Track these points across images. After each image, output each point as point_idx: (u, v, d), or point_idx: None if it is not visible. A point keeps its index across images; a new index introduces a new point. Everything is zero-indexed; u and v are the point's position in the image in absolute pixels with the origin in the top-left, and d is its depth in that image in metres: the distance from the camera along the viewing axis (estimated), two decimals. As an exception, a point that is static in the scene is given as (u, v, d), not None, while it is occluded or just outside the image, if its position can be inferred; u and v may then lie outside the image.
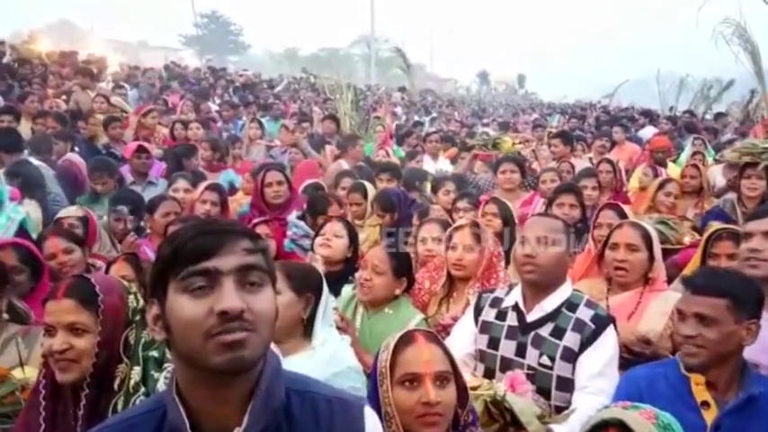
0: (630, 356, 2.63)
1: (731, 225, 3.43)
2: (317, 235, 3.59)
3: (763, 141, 5.17)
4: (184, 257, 1.14)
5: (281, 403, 1.21)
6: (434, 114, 17.33)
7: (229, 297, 1.12)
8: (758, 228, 2.63)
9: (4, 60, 11.07)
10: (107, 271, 3.10)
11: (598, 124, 13.03)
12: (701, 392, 2.11)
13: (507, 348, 2.47)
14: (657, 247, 3.01)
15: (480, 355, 2.54)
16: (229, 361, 1.11)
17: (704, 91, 15.42)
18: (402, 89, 20.99)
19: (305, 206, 4.62)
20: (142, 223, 4.73)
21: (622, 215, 3.65)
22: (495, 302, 2.59)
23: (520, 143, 8.03)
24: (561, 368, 2.37)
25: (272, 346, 1.38)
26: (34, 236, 3.67)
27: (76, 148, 6.59)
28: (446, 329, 2.83)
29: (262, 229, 3.88)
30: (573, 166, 6.35)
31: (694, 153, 7.04)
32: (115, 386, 1.83)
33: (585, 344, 2.36)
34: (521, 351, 2.44)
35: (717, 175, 6.12)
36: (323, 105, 13.63)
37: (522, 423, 2.02)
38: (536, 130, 11.25)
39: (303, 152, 7.32)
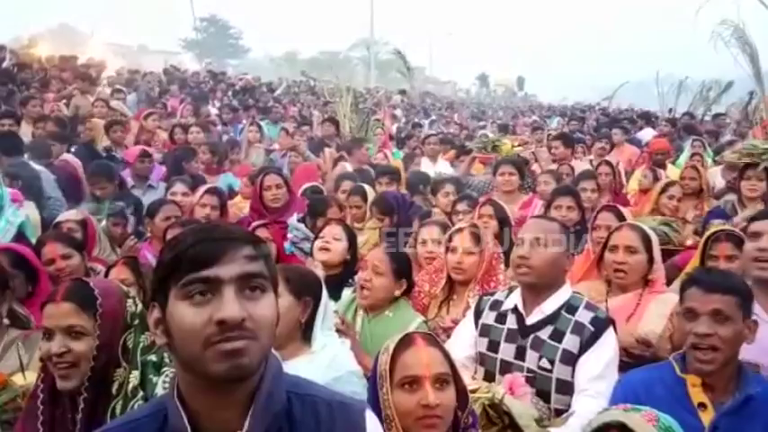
0: (631, 360, 2.63)
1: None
2: (316, 238, 3.59)
3: (764, 142, 5.17)
4: (185, 265, 1.14)
5: (282, 406, 1.21)
6: (434, 117, 17.34)
7: (229, 306, 1.11)
8: (766, 227, 2.63)
9: (4, 65, 11.07)
10: (106, 275, 3.10)
11: (598, 126, 13.04)
12: (697, 394, 2.11)
13: (507, 351, 2.47)
14: (657, 249, 3.02)
15: (480, 358, 2.54)
16: (229, 369, 1.11)
17: (703, 93, 15.43)
18: (402, 92, 21.01)
19: (305, 209, 4.63)
20: (141, 228, 4.74)
21: (620, 217, 3.65)
22: (495, 305, 2.59)
23: (519, 145, 8.04)
24: (561, 371, 2.36)
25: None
26: (33, 240, 3.67)
27: (73, 148, 6.60)
28: (446, 332, 2.83)
29: (261, 233, 3.88)
30: (573, 169, 6.35)
31: (693, 155, 7.04)
32: (113, 390, 1.83)
33: (585, 346, 2.36)
34: (520, 354, 2.44)
35: (716, 177, 6.12)
36: (322, 108, 13.65)
37: (521, 426, 2.02)
38: (535, 132, 11.25)
39: (302, 156, 7.33)
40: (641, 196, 5.98)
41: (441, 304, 3.18)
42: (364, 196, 4.70)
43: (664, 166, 6.93)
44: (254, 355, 1.13)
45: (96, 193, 5.05)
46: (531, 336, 2.44)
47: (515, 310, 2.51)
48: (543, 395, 2.36)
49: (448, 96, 31.89)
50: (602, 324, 2.40)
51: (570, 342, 2.37)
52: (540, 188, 5.42)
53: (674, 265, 3.51)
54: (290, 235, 4.38)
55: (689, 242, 4.08)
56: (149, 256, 3.87)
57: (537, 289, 2.48)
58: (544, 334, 2.42)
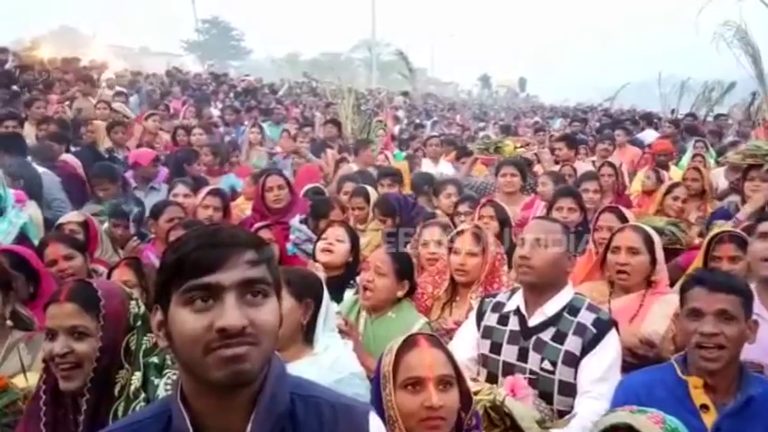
0: (634, 360, 2.63)
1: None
2: (318, 239, 3.58)
3: (767, 143, 5.16)
4: (186, 270, 1.13)
5: (285, 408, 1.21)
6: (435, 118, 17.36)
7: (230, 314, 1.10)
8: None
9: (6, 67, 11.09)
10: (109, 276, 3.11)
11: (600, 127, 13.03)
12: (699, 396, 2.11)
13: (509, 353, 2.46)
14: (659, 251, 3.01)
15: (482, 360, 2.54)
16: (229, 375, 1.11)
17: (706, 94, 15.40)
18: (405, 93, 21.03)
19: (307, 210, 4.63)
20: (142, 229, 4.74)
21: (623, 218, 3.64)
22: (497, 307, 2.58)
23: (521, 147, 8.04)
24: (563, 373, 2.36)
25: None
26: (36, 241, 3.67)
27: (72, 147, 6.61)
28: (449, 334, 2.83)
29: (264, 234, 3.88)
30: (575, 170, 6.35)
31: (695, 156, 7.03)
32: (116, 392, 1.82)
33: (587, 348, 2.35)
34: (522, 356, 2.43)
35: (720, 178, 6.11)
36: (324, 110, 13.66)
37: (522, 428, 2.01)
38: (538, 133, 11.25)
39: (305, 159, 7.34)
40: (644, 197, 5.98)
41: (443, 306, 3.18)
42: (367, 198, 4.70)
43: (667, 168, 6.92)
44: (256, 361, 1.13)
45: (99, 195, 5.07)
46: (534, 337, 2.43)
47: (517, 311, 2.51)
48: (546, 397, 2.35)
49: (450, 97, 31.92)
50: (604, 326, 2.39)
51: (572, 344, 2.37)
52: (539, 189, 5.42)
53: (678, 266, 3.51)
54: (292, 236, 4.39)
55: (697, 242, 4.07)
56: (152, 257, 3.88)
57: (538, 289, 2.47)
58: (546, 336, 2.42)
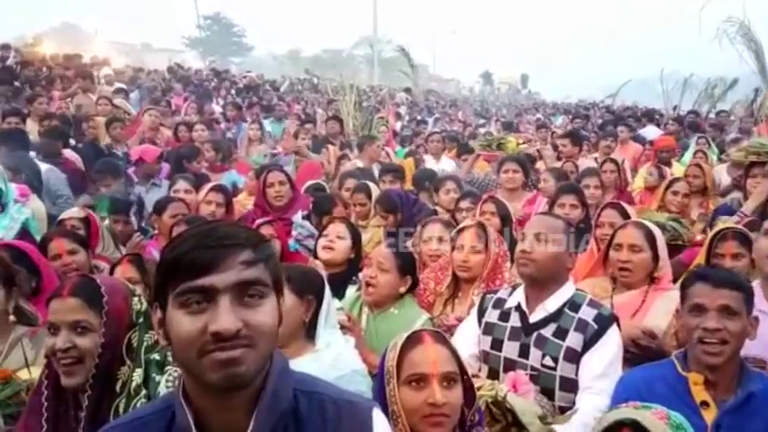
0: (637, 351, 2.63)
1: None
2: (320, 236, 3.58)
3: (771, 140, 5.16)
4: (181, 272, 1.12)
5: (288, 405, 1.20)
6: (437, 115, 17.34)
7: (223, 318, 1.09)
8: None
9: (8, 63, 11.11)
10: (111, 273, 3.10)
11: (603, 124, 13.02)
12: (699, 392, 2.11)
13: (510, 349, 2.46)
14: (662, 247, 3.00)
15: (484, 357, 2.54)
16: (224, 378, 1.10)
17: (708, 90, 15.35)
18: (408, 90, 21.00)
19: (309, 206, 4.63)
20: (143, 224, 4.75)
21: (624, 214, 3.64)
22: (498, 303, 2.58)
23: (523, 143, 8.02)
24: (564, 369, 2.36)
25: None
26: (38, 236, 3.67)
27: (72, 142, 6.61)
28: (449, 330, 2.83)
29: (266, 230, 3.88)
30: (577, 167, 6.34)
31: (696, 152, 7.01)
32: (117, 388, 1.83)
33: (588, 344, 2.35)
34: (524, 352, 2.43)
35: (722, 174, 6.10)
36: (326, 106, 13.65)
37: (524, 424, 2.01)
38: (540, 130, 11.24)
39: (306, 158, 7.32)
40: (647, 194, 5.97)
41: (446, 302, 3.18)
42: (368, 194, 4.70)
43: (669, 164, 6.90)
44: (252, 363, 1.11)
45: (101, 190, 5.07)
46: (535, 333, 2.43)
47: (518, 307, 2.50)
48: (547, 393, 2.35)
49: (452, 94, 31.85)
50: (605, 321, 2.39)
51: (574, 339, 2.37)
52: (541, 186, 5.41)
53: (681, 263, 3.50)
54: (294, 232, 4.39)
55: (699, 238, 4.06)
56: (155, 253, 3.88)
57: (539, 284, 2.47)
58: (547, 332, 2.42)
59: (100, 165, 5.43)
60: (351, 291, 3.25)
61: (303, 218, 4.50)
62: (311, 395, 1.24)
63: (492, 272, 3.14)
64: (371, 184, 4.90)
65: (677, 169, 6.70)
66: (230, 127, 10.34)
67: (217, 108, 12.11)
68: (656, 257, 2.95)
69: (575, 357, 2.35)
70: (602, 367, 2.32)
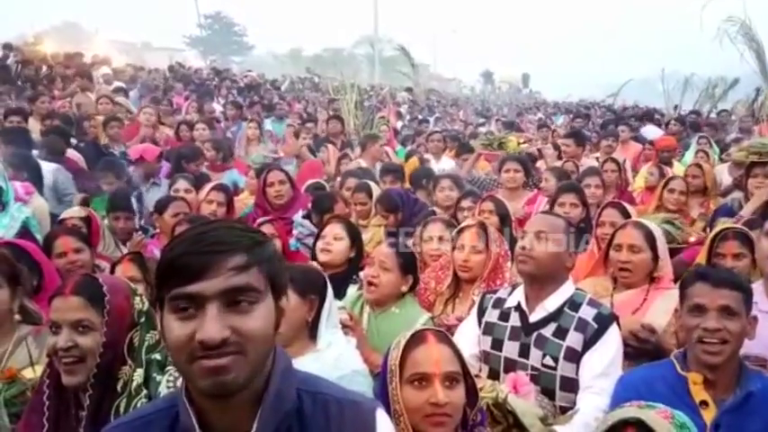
0: (636, 344, 2.63)
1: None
2: (317, 238, 3.56)
3: (772, 139, 5.15)
4: (172, 278, 1.11)
5: (292, 405, 1.20)
6: (438, 114, 17.33)
7: (209, 327, 1.07)
8: None
9: (9, 62, 11.11)
10: (112, 271, 3.11)
11: (604, 123, 13.02)
12: (698, 392, 2.11)
13: (511, 349, 2.46)
14: (662, 247, 3.00)
15: (484, 357, 2.53)
16: (212, 385, 1.09)
17: (709, 90, 15.34)
18: (409, 90, 20.99)
19: (310, 205, 4.63)
20: (143, 222, 4.75)
21: (625, 214, 3.64)
22: (498, 303, 2.58)
23: (524, 142, 8.02)
24: (565, 368, 2.36)
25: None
26: (39, 235, 3.67)
27: (73, 141, 6.61)
28: (450, 330, 2.82)
29: (267, 229, 3.88)
30: (578, 166, 6.33)
31: (697, 152, 7.00)
32: (118, 388, 1.83)
33: (589, 343, 2.35)
34: (524, 352, 2.43)
35: (723, 174, 6.09)
36: (327, 105, 13.64)
37: (525, 425, 2.01)
38: (541, 129, 11.23)
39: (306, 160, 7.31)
40: (647, 194, 5.96)
41: (446, 302, 3.18)
42: (369, 193, 4.70)
43: (670, 164, 6.90)
44: (241, 371, 1.10)
45: (103, 189, 5.07)
46: (535, 333, 2.43)
47: (518, 307, 2.50)
48: (548, 393, 2.35)
49: (452, 93, 31.85)
50: (605, 321, 2.39)
51: (574, 339, 2.36)
52: (542, 185, 5.41)
53: (683, 262, 3.50)
54: (295, 231, 4.39)
55: (692, 239, 4.06)
56: (156, 252, 3.88)
57: (539, 283, 2.46)
58: (547, 331, 2.41)
59: (103, 164, 5.45)
60: (352, 290, 3.25)
61: (303, 217, 4.50)
62: (315, 395, 1.24)
63: (493, 272, 3.14)
64: (372, 184, 4.89)
65: (678, 169, 6.69)
66: (230, 126, 10.33)
67: (217, 107, 12.10)
68: (655, 257, 2.95)
69: (575, 357, 2.35)
70: (602, 366, 2.32)
